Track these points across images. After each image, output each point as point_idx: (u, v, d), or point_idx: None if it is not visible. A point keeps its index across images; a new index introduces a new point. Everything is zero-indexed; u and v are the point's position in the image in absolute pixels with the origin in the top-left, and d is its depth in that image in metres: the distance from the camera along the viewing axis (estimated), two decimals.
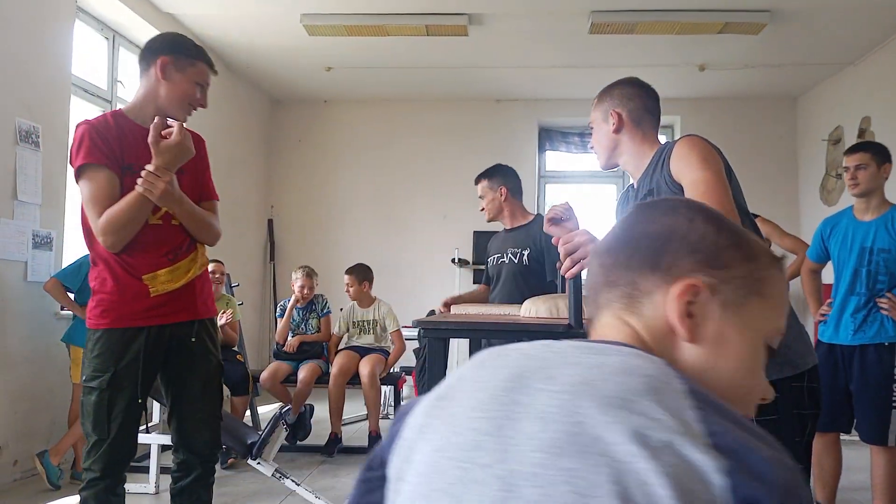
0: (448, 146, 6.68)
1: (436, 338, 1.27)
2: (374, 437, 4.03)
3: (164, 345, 1.94)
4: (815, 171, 6.02)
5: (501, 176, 2.95)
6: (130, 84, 4.97)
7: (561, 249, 1.29)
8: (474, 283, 6.46)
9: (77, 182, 1.87)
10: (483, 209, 2.97)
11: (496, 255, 2.97)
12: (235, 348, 4.27)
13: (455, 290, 6.44)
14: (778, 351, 1.35)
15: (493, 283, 2.96)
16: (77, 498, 1.94)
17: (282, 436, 3.22)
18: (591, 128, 1.77)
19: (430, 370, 1.31)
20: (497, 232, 3.11)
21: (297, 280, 4.38)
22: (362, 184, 6.75)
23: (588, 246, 1.27)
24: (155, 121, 1.81)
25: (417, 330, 4.92)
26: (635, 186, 1.70)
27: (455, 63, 5.70)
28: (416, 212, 6.67)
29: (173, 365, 1.99)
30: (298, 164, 6.78)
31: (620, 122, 1.69)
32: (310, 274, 4.41)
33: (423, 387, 5.29)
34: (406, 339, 4.46)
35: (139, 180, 1.78)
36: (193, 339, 1.98)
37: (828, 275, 3.09)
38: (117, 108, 2.00)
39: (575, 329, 1.25)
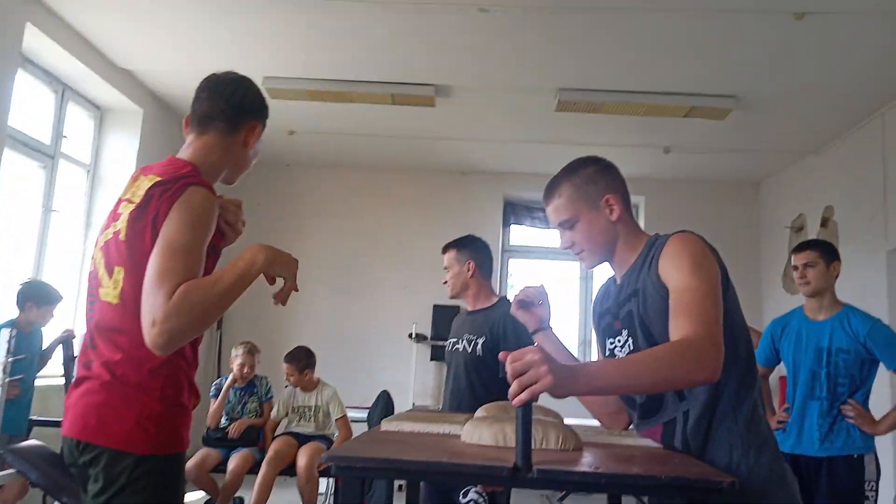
0: (412, 216, 6.52)
1: (351, 477, 1.02)
2: None
3: None
4: (778, 258, 5.98)
5: (472, 249, 2.67)
6: (75, 138, 4.73)
7: (508, 368, 1.06)
8: (431, 359, 6.18)
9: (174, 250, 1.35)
10: (445, 282, 2.66)
11: (452, 340, 2.64)
12: None
13: (411, 366, 6.14)
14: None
15: (447, 373, 2.64)
16: None
17: None
18: (564, 225, 1.45)
19: None
20: (460, 311, 2.80)
21: (236, 357, 4.05)
22: (322, 251, 6.50)
23: (541, 367, 1.04)
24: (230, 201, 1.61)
25: (367, 413, 4.59)
26: (618, 282, 1.47)
27: (421, 133, 5.61)
28: (375, 283, 6.43)
29: None
30: (257, 228, 6.48)
31: (620, 209, 1.43)
32: (251, 351, 4.09)
33: (371, 491, 4.87)
34: (353, 422, 4.12)
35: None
36: None
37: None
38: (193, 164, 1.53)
39: (521, 473, 1.01)
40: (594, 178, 1.45)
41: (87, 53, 4.26)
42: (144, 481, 1.35)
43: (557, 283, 6.67)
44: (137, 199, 1.44)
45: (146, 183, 1.46)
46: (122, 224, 1.45)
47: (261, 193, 6.60)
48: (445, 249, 2.68)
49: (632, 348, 1.38)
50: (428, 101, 4.78)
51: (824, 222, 5.25)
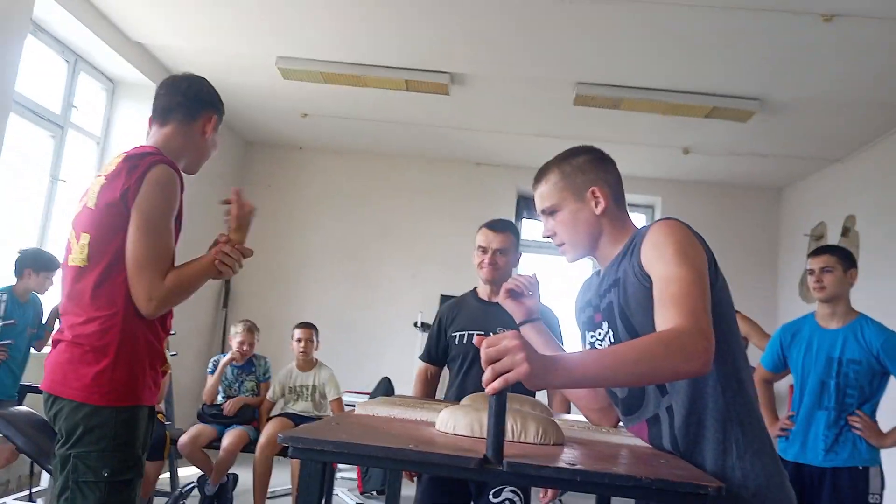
0: (424, 205, 6.44)
1: (311, 460, 0.94)
2: None
3: None
4: (796, 266, 5.83)
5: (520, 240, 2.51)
6: (88, 110, 4.70)
7: (483, 354, 0.98)
8: None
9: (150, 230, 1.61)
10: (485, 263, 2.36)
11: (474, 332, 2.39)
12: (159, 406, 3.85)
13: (415, 353, 6.07)
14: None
15: (460, 365, 2.42)
16: None
17: None
18: (546, 212, 1.42)
19: (302, 498, 0.97)
20: (463, 297, 2.54)
21: (236, 335, 4.01)
22: (331, 236, 6.46)
23: (517, 354, 0.96)
24: (234, 194, 1.83)
25: (368, 399, 4.52)
26: (601, 274, 1.41)
27: (435, 122, 5.52)
28: (383, 270, 6.37)
29: None
30: (267, 210, 6.46)
31: (607, 202, 1.38)
32: (251, 329, 4.05)
33: (367, 472, 4.81)
34: (348, 407, 4.05)
35: (220, 256, 1.74)
36: None
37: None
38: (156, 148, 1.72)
39: (492, 465, 0.93)
40: (584, 167, 1.41)
41: (100, 24, 4.22)
42: (99, 431, 1.51)
43: (568, 280, 6.55)
44: (106, 173, 1.66)
45: (116, 160, 1.68)
46: (92, 195, 1.66)
47: (272, 175, 6.57)
48: (502, 230, 2.41)
49: (612, 341, 1.30)
50: (442, 88, 4.69)
51: (845, 231, 5.10)
